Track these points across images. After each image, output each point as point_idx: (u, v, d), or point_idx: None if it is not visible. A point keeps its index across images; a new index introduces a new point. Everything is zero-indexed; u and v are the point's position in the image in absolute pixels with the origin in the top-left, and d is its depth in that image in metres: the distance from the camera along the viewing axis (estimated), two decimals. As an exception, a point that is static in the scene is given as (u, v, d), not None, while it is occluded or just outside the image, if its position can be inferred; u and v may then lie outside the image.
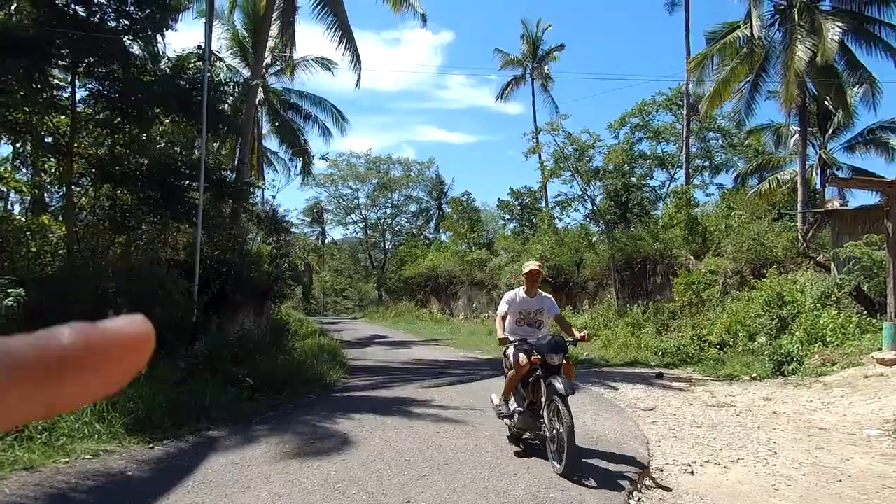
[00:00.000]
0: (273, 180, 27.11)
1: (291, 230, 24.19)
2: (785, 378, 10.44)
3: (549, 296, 6.21)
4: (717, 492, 4.79)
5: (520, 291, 6.08)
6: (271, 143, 28.76)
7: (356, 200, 46.10)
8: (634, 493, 4.69)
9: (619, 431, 6.68)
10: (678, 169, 32.08)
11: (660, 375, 11.49)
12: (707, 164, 33.15)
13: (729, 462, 5.63)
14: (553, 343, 5.23)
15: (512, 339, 5.71)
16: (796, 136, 20.25)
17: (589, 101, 75.44)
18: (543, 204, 33.15)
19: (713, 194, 31.82)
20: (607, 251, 22.77)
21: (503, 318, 5.99)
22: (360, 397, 8.87)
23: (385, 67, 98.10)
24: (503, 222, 37.30)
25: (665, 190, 32.21)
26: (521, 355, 5.37)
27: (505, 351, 5.85)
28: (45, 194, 14.05)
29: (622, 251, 21.97)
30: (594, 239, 26.50)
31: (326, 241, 49.43)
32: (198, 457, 5.40)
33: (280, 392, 8.93)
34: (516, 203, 33.96)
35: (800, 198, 17.99)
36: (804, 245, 15.80)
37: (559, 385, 4.80)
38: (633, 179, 30.91)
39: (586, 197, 25.44)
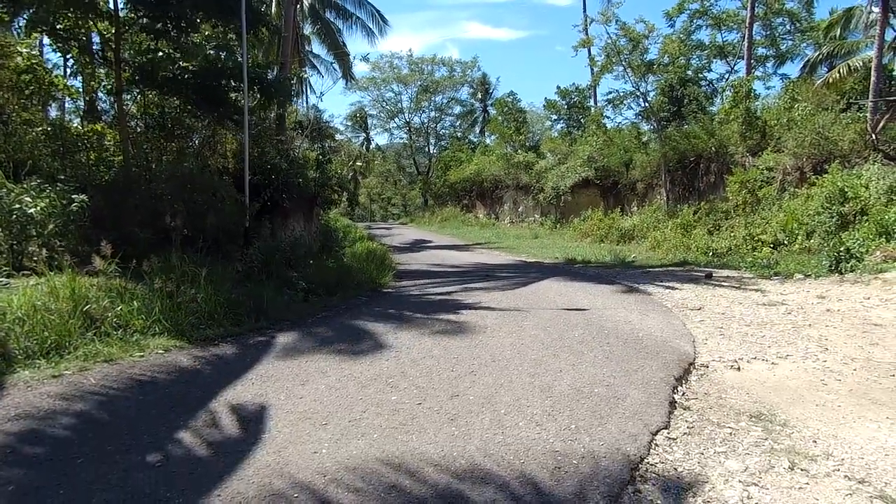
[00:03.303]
0: (314, 84, 26.75)
1: (336, 136, 24.13)
2: (842, 276, 10.17)
3: None
4: (764, 387, 4.83)
5: None
6: (314, 47, 28.19)
7: (399, 104, 45.39)
8: (678, 387, 4.78)
9: (666, 330, 6.72)
10: (739, 60, 30.04)
11: (709, 276, 11.36)
12: (772, 52, 30.82)
13: (777, 358, 5.63)
14: None
15: None
16: (873, 15, 18.44)
17: (644, -13, 69.78)
18: (592, 103, 31.86)
19: (774, 86, 29.84)
20: (658, 150, 21.98)
21: None
22: (409, 299, 9.14)
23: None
24: (550, 123, 36.16)
25: (724, 83, 30.32)
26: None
27: None
28: (97, 102, 14.32)
29: (674, 150, 21.17)
30: (645, 138, 25.53)
31: (371, 147, 49.28)
32: (258, 353, 5.74)
33: (332, 294, 9.27)
34: (563, 103, 32.68)
35: (872, 85, 16.64)
36: (873, 137, 14.79)
37: None
38: (690, 73, 29.14)
39: (639, 94, 24.21)
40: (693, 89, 28.12)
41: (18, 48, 11.15)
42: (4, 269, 6.75)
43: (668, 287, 9.96)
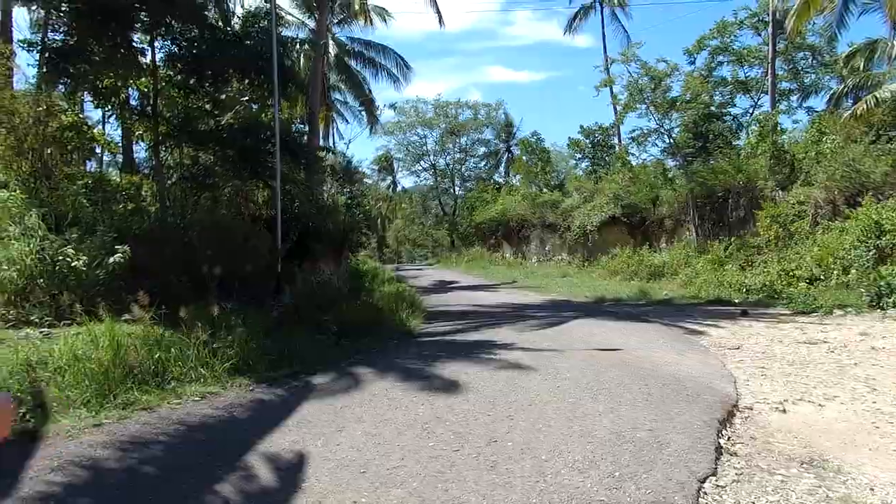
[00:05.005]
0: (341, 129, 27.45)
1: (364, 179, 24.58)
2: (884, 312, 9.87)
3: None
4: (812, 430, 4.66)
5: None
6: (339, 94, 29.01)
7: (424, 147, 46.21)
8: (723, 431, 4.63)
9: (705, 370, 6.57)
10: (762, 94, 30.00)
11: (745, 313, 11.12)
12: (795, 86, 30.73)
13: (824, 400, 5.44)
14: None
15: None
16: (897, 49, 18.37)
17: (663, 27, 70.90)
18: (616, 140, 31.99)
19: (800, 121, 29.64)
20: (685, 186, 21.88)
21: None
22: (441, 341, 9.10)
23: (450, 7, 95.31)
24: (574, 162, 36.37)
25: (748, 117, 30.23)
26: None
27: None
28: (132, 154, 14.87)
29: (702, 185, 21.05)
30: (671, 174, 25.47)
31: (397, 189, 50.09)
32: (293, 399, 5.74)
33: (363, 337, 9.27)
34: (587, 141, 32.90)
35: (902, 117, 16.44)
36: (907, 169, 14.55)
37: None
38: (713, 109, 29.18)
39: (662, 130, 24.32)
40: (717, 125, 28.13)
41: (63, 106, 11.69)
42: (46, 318, 6.92)
43: (703, 325, 9.76)
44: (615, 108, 29.11)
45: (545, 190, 31.76)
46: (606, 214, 25.11)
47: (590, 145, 33.02)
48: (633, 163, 28.58)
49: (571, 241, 27.14)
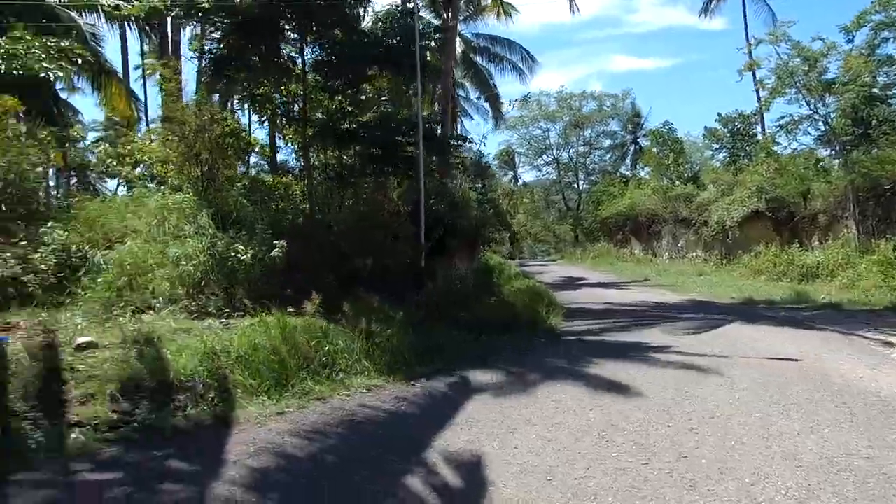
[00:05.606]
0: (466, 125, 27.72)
1: (495, 176, 24.68)
2: None
3: None
4: None
5: None
6: (462, 90, 29.25)
7: (547, 141, 45.56)
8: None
9: (907, 387, 5.79)
10: (939, 72, 26.41)
11: (936, 322, 9.76)
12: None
13: None
14: None
15: None
16: None
17: (813, 3, 64.54)
18: (759, 129, 29.57)
19: None
20: (844, 178, 19.73)
21: None
22: (589, 342, 8.81)
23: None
24: (710, 153, 34.07)
25: (921, 98, 26.72)
26: None
27: None
28: (277, 155, 15.86)
29: (864, 176, 18.89)
30: (826, 165, 23.11)
31: (518, 184, 49.92)
32: (454, 396, 5.77)
33: (502, 334, 9.14)
34: (725, 130, 30.66)
35: None
36: None
37: None
38: (876, 91, 26.07)
39: (817, 117, 22.10)
40: (882, 109, 25.12)
41: (225, 115, 12.67)
42: (225, 310, 7.46)
43: (888, 334, 8.67)
44: (758, 94, 26.92)
45: (677, 183, 30.04)
46: (748, 209, 23.29)
47: (728, 134, 30.76)
48: (780, 153, 26.27)
49: (708, 238, 25.47)
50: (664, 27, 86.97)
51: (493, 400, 5.55)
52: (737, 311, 12.26)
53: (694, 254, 26.95)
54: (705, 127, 32.13)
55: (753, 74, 24.47)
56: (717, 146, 31.75)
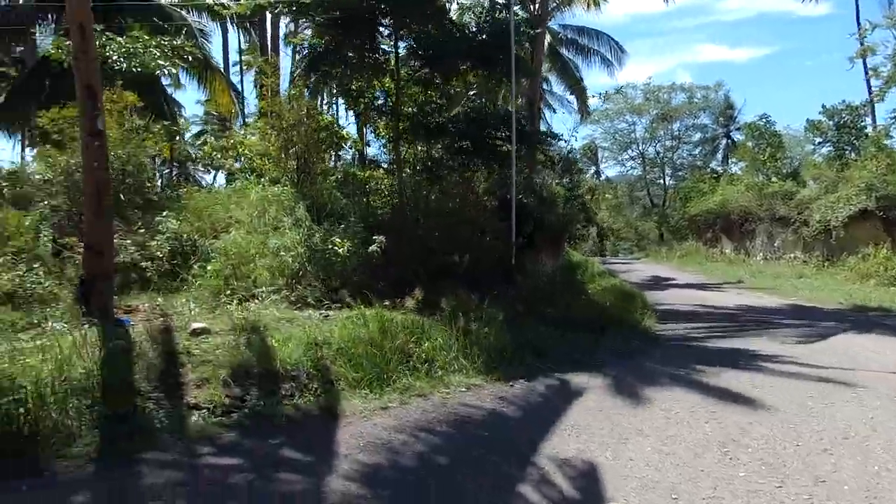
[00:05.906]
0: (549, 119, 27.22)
1: (582, 171, 24.17)
2: None
3: None
4: None
5: None
6: (546, 83, 28.72)
7: (633, 134, 44.09)
8: None
9: None
10: None
11: None
12: None
13: None
14: None
15: None
16: None
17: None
18: (869, 121, 27.35)
19: None
20: (975, 174, 17.95)
21: None
22: (688, 347, 8.42)
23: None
24: (812, 147, 31.87)
25: None
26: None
27: None
28: (366, 149, 16.09)
29: None
30: (950, 160, 21.10)
31: (601, 179, 48.61)
32: (556, 399, 5.63)
33: (592, 334, 8.81)
34: (831, 123, 28.56)
35: None
36: None
37: None
38: None
39: (941, 107, 20.19)
40: None
41: (321, 110, 12.98)
42: (324, 301, 7.63)
43: None
44: (868, 84, 24.89)
45: (774, 179, 28.28)
46: (855, 207, 21.59)
47: (833, 127, 28.65)
48: (892, 147, 24.20)
49: (808, 238, 23.84)
50: (758, 14, 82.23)
51: (596, 405, 5.36)
52: (847, 318, 11.38)
53: (792, 255, 25.32)
54: (807, 119, 30.07)
55: (864, 62, 22.64)
56: (821, 140, 29.68)
